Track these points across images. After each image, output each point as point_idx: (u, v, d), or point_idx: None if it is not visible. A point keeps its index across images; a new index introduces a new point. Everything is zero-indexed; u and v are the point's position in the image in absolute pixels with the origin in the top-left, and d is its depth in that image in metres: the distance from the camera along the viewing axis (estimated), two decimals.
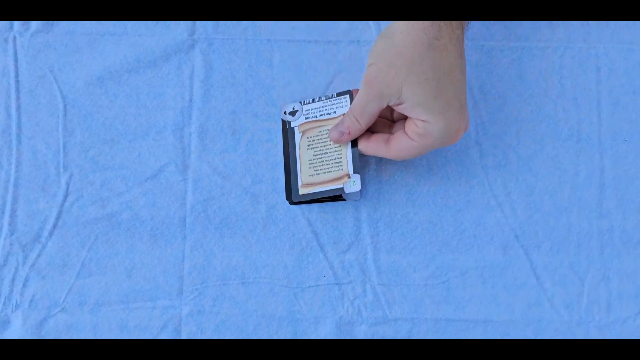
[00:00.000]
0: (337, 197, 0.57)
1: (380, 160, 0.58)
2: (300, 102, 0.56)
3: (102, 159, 0.57)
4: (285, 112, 0.57)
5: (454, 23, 0.49)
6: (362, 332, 0.56)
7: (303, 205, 0.57)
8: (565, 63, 0.59)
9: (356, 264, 0.57)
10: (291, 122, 0.56)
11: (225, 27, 0.59)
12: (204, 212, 0.57)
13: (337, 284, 0.57)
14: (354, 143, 0.54)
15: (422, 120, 0.49)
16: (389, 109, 0.53)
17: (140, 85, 0.58)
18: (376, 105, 0.50)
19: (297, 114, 0.56)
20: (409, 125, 0.50)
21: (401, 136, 0.51)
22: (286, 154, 0.56)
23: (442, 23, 0.48)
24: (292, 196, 0.55)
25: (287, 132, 0.56)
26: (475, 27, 0.60)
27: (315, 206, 0.57)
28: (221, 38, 0.59)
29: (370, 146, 0.53)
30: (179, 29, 0.59)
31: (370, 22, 0.59)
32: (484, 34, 0.60)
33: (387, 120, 0.55)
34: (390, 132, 0.53)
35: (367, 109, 0.51)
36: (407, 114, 0.50)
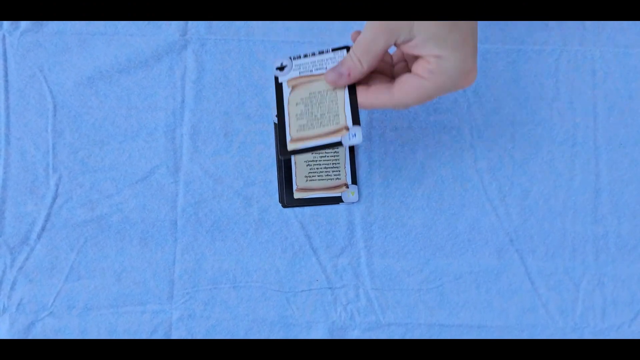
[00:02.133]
0: (333, 200, 0.56)
1: (373, 162, 0.57)
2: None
3: (91, 161, 0.57)
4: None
5: None
6: (354, 338, 0.56)
7: (296, 208, 0.56)
8: (561, 66, 0.59)
9: (349, 268, 0.56)
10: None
11: (218, 27, 0.58)
12: (195, 215, 0.56)
13: (330, 288, 0.56)
14: (352, 91, 0.48)
15: (436, 56, 0.44)
16: (389, 65, 0.49)
17: (131, 85, 0.57)
18: (383, 42, 0.45)
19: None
20: (418, 64, 0.45)
21: (408, 77, 0.46)
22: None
23: None
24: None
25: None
26: None
27: (308, 209, 0.56)
28: (214, 38, 0.58)
29: (369, 95, 0.47)
30: (170, 29, 0.58)
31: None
32: (480, 37, 0.59)
33: (386, 76, 0.49)
34: (392, 83, 0.47)
35: (372, 47, 0.45)
36: (417, 52, 0.45)
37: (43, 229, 0.56)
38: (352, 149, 0.56)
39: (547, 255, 0.57)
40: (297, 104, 0.49)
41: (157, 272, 0.56)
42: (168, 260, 0.56)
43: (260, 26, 0.59)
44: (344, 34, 0.59)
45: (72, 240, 0.56)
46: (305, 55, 0.50)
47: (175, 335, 0.55)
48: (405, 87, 0.45)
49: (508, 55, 0.59)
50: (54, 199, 0.56)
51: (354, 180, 0.55)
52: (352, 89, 0.48)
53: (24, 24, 0.58)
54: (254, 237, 0.56)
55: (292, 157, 0.54)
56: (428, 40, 0.44)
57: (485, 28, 0.59)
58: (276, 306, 0.56)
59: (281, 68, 0.50)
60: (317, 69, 0.49)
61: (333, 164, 0.56)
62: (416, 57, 0.46)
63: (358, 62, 0.46)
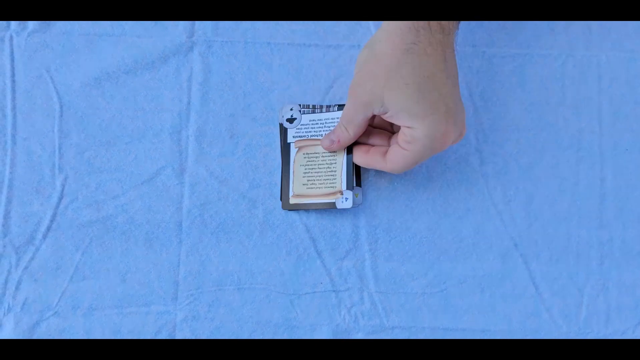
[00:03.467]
0: (328, 205, 0.56)
1: None
2: (300, 108, 0.56)
3: (97, 161, 0.57)
4: (282, 116, 0.56)
5: (433, 27, 0.48)
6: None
7: (301, 211, 0.57)
8: (567, 71, 0.59)
9: (354, 271, 0.56)
10: (287, 130, 0.56)
11: (224, 29, 0.58)
12: (200, 217, 0.56)
13: (334, 291, 0.56)
14: (350, 151, 0.54)
15: (408, 127, 0.49)
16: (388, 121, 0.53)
17: (138, 87, 0.58)
18: (362, 114, 0.51)
19: (295, 122, 0.56)
20: (399, 135, 0.50)
21: (394, 148, 0.51)
22: (283, 159, 0.56)
23: (420, 28, 0.48)
24: (283, 204, 0.55)
25: (282, 142, 0.57)
26: (477, 34, 0.59)
27: (313, 212, 0.57)
28: (220, 40, 0.58)
29: (368, 160, 0.53)
30: (177, 30, 0.58)
31: (371, 26, 0.59)
32: (486, 41, 0.59)
33: (386, 132, 0.54)
34: (388, 145, 0.53)
35: (354, 119, 0.51)
36: (394, 122, 0.50)
37: (48, 229, 0.56)
38: (349, 152, 0.56)
39: (552, 260, 0.57)
40: (301, 165, 0.56)
41: (162, 273, 0.56)
42: (173, 262, 0.56)
43: (267, 28, 0.59)
44: (349, 37, 0.59)
45: (78, 240, 0.56)
46: (314, 107, 0.57)
47: (179, 337, 0.55)
48: (393, 158, 0.51)
49: (514, 60, 0.59)
50: (60, 199, 0.56)
51: (350, 186, 0.55)
52: (350, 154, 0.55)
53: (31, 24, 0.58)
54: (259, 239, 0.56)
55: (292, 168, 0.56)
56: (398, 112, 0.49)
57: (491, 33, 0.59)
58: (280, 308, 0.56)
59: (290, 120, 0.56)
60: (320, 132, 0.56)
61: (330, 171, 0.56)
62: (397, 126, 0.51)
63: (345, 130, 0.52)
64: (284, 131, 0.57)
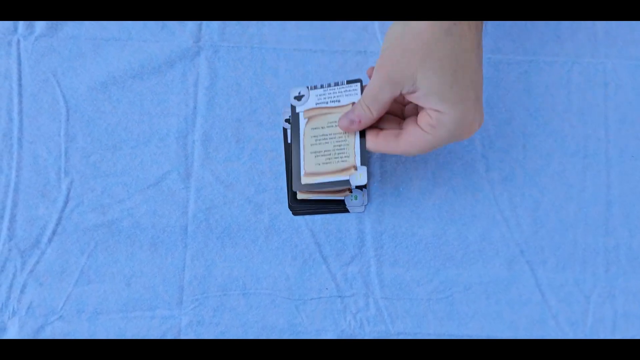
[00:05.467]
0: (340, 208, 0.56)
1: (385, 172, 0.57)
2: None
3: (103, 165, 0.57)
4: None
5: None
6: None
7: (307, 216, 0.56)
8: (573, 78, 0.59)
9: (359, 276, 0.56)
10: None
11: (231, 34, 0.59)
12: (205, 221, 0.56)
13: (340, 296, 0.56)
14: (362, 134, 0.51)
15: (436, 110, 0.46)
16: (400, 105, 0.51)
17: (144, 91, 0.58)
18: (389, 92, 0.47)
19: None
20: (421, 116, 0.47)
21: (413, 129, 0.48)
22: (288, 157, 0.55)
23: None
24: (294, 185, 0.52)
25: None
26: (484, 41, 0.59)
27: (318, 217, 0.56)
28: (227, 45, 0.59)
29: (379, 142, 0.49)
30: (184, 35, 0.58)
31: (377, 32, 0.59)
32: (492, 48, 0.59)
33: (397, 117, 0.51)
34: (400, 129, 0.50)
35: (379, 97, 0.47)
36: (420, 103, 0.47)
37: (54, 232, 0.56)
38: (362, 132, 0.54)
39: (558, 266, 0.57)
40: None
41: (167, 277, 0.56)
42: (178, 266, 0.56)
43: (273, 34, 0.59)
44: (355, 43, 0.59)
45: (83, 244, 0.56)
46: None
47: None
48: (410, 139, 0.48)
49: (520, 67, 0.59)
50: (66, 203, 0.56)
51: (364, 162, 0.53)
52: (362, 131, 0.51)
53: (38, 28, 0.58)
54: (264, 244, 0.56)
55: (301, 142, 0.53)
56: (430, 94, 0.46)
57: (497, 40, 0.59)
58: (285, 314, 0.56)
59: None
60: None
61: (341, 146, 0.53)
62: (421, 107, 0.48)
63: (367, 110, 0.48)
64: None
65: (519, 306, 0.56)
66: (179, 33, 0.58)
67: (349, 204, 0.55)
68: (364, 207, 0.56)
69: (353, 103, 0.52)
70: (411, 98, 0.47)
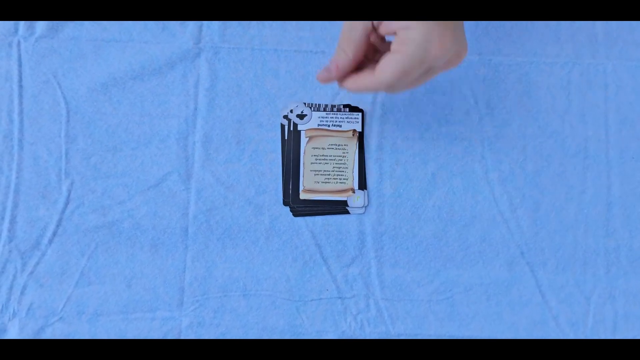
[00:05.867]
0: (340, 210, 0.56)
1: (384, 173, 0.57)
2: (307, 106, 0.56)
3: (104, 167, 0.57)
4: (291, 111, 0.56)
5: None
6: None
7: (307, 217, 0.56)
8: (573, 79, 0.59)
9: (360, 278, 0.56)
10: (298, 125, 0.56)
11: (231, 36, 0.59)
12: (206, 223, 0.56)
13: (340, 298, 0.56)
14: (361, 147, 0.53)
15: (403, 27, 0.45)
16: (376, 53, 0.50)
17: (145, 92, 0.58)
18: (361, 26, 0.47)
19: (305, 118, 0.56)
20: (394, 41, 0.47)
21: (384, 56, 0.47)
22: (287, 154, 0.56)
23: None
24: (291, 200, 0.55)
25: (292, 133, 0.56)
26: (483, 42, 0.59)
27: (319, 219, 0.56)
28: (227, 47, 0.59)
29: (359, 80, 0.49)
30: (184, 37, 0.58)
31: None
32: (492, 49, 0.59)
33: (374, 65, 0.49)
34: None
35: (352, 34, 0.47)
36: (391, 28, 0.46)
37: (54, 234, 0.56)
38: (361, 155, 0.57)
39: (558, 268, 0.57)
40: (312, 156, 0.55)
41: (168, 279, 0.56)
42: (178, 268, 0.56)
43: (274, 35, 0.59)
44: None
45: (83, 245, 0.56)
46: (325, 109, 0.56)
47: None
48: (382, 65, 0.46)
49: (520, 68, 0.59)
50: (66, 204, 0.56)
51: (362, 186, 0.55)
52: (361, 153, 0.56)
53: (39, 29, 0.58)
54: (265, 245, 0.56)
55: (301, 159, 0.56)
56: None
57: (497, 41, 0.59)
58: (286, 315, 0.56)
59: (301, 116, 0.55)
60: (333, 125, 0.56)
61: (340, 168, 0.56)
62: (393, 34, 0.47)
63: (343, 53, 0.48)
64: (292, 124, 0.56)
65: (520, 307, 0.56)
66: (180, 34, 0.58)
67: (351, 204, 0.56)
68: (364, 208, 0.56)
69: (354, 130, 0.57)
70: (382, 28, 0.47)
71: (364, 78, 0.48)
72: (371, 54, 0.50)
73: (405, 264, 0.56)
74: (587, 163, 0.58)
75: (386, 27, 0.47)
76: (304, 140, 0.56)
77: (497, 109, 0.59)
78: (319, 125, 0.56)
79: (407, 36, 0.45)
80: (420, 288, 0.56)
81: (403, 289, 0.56)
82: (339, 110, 0.57)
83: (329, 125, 0.56)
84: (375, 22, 0.46)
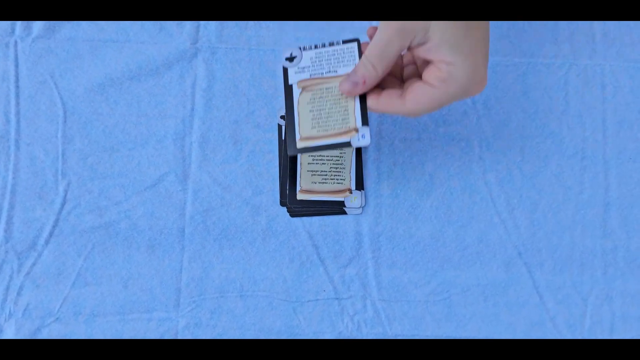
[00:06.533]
0: (337, 210, 0.56)
1: (381, 173, 0.57)
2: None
3: (101, 167, 0.57)
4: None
5: None
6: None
7: (304, 218, 0.56)
8: (571, 80, 0.59)
9: (357, 278, 0.56)
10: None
11: (228, 36, 0.59)
12: (203, 223, 0.56)
13: (337, 298, 0.56)
14: (362, 97, 0.47)
15: (447, 63, 0.44)
16: (399, 67, 0.49)
17: (142, 93, 0.58)
18: (397, 44, 0.44)
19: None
20: (429, 71, 0.45)
21: (418, 86, 0.45)
22: (284, 154, 0.56)
23: None
24: (288, 200, 0.54)
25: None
26: None
27: (316, 219, 0.56)
28: (224, 47, 0.58)
29: (382, 101, 0.46)
30: (182, 37, 0.58)
31: None
32: (490, 49, 0.59)
33: (397, 80, 0.49)
34: (402, 89, 0.47)
35: (386, 51, 0.44)
36: (430, 56, 0.44)
37: (51, 234, 0.56)
38: (359, 156, 0.56)
39: (556, 269, 0.57)
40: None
41: (164, 279, 0.56)
42: (175, 268, 0.56)
43: (271, 35, 0.59)
44: None
45: (80, 246, 0.56)
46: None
47: None
48: (417, 97, 0.45)
49: (518, 69, 0.59)
50: (63, 204, 0.56)
51: (359, 187, 0.55)
52: (359, 153, 0.52)
53: (35, 30, 0.58)
54: (262, 246, 0.56)
55: (298, 159, 0.55)
56: (442, 44, 0.43)
57: (495, 41, 0.59)
58: (283, 316, 0.55)
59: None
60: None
61: (338, 168, 0.56)
62: (427, 62, 0.46)
63: (372, 68, 0.45)
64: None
65: (517, 308, 0.56)
66: (177, 35, 0.58)
67: (348, 204, 0.55)
68: (361, 209, 0.56)
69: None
70: (419, 51, 0.45)
71: (391, 103, 0.46)
72: (397, 70, 0.49)
73: (403, 265, 0.56)
74: (584, 164, 0.58)
75: (425, 52, 0.45)
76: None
77: (494, 109, 0.59)
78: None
79: (451, 73, 0.44)
80: (417, 289, 0.56)
81: (400, 289, 0.56)
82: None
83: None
84: (415, 42, 0.44)
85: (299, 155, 0.55)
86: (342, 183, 0.55)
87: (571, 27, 0.60)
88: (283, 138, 0.57)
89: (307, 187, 0.55)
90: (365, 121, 0.47)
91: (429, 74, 0.45)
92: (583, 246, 0.57)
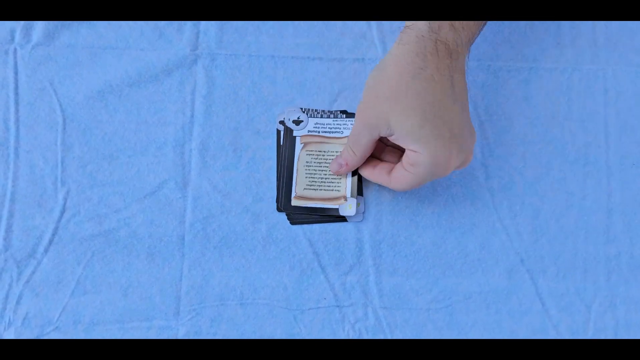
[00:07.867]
0: (338, 217, 0.56)
1: None
2: (304, 111, 0.56)
3: (100, 175, 0.56)
4: (288, 119, 0.56)
5: (441, 52, 0.48)
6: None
7: (304, 225, 0.56)
8: (573, 85, 0.59)
9: (358, 286, 0.56)
10: (294, 131, 0.56)
11: (228, 42, 0.58)
12: (203, 231, 0.56)
13: (338, 306, 0.55)
14: (354, 171, 0.55)
15: (412, 150, 0.49)
16: (381, 144, 0.54)
17: (141, 100, 0.57)
18: (368, 135, 0.51)
19: (301, 124, 0.56)
20: (404, 156, 0.51)
21: (398, 168, 0.51)
22: (281, 160, 0.56)
23: (428, 53, 0.48)
24: (283, 206, 0.55)
25: (287, 139, 0.56)
26: (482, 48, 0.59)
27: (316, 226, 0.56)
28: (224, 54, 0.58)
29: (374, 174, 0.53)
30: (181, 43, 0.58)
31: (375, 39, 0.59)
32: (491, 55, 0.59)
33: (398, 151, 0.54)
34: (396, 163, 0.53)
35: (360, 140, 0.52)
36: (399, 144, 0.50)
37: (50, 242, 0.55)
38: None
39: (558, 275, 0.56)
40: (306, 162, 0.56)
41: (164, 287, 0.55)
42: (175, 276, 0.55)
43: (271, 42, 0.58)
44: (353, 50, 0.59)
45: (79, 254, 0.55)
46: (321, 115, 0.56)
47: None
48: (398, 178, 0.51)
49: (520, 74, 0.59)
50: (62, 212, 0.56)
51: (354, 194, 0.55)
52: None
53: (35, 37, 0.58)
54: (262, 253, 0.56)
55: (295, 165, 0.56)
56: (405, 135, 0.49)
57: (496, 46, 0.59)
58: (283, 324, 0.55)
59: (297, 122, 0.56)
60: (329, 132, 0.56)
61: (333, 176, 0.56)
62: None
63: (352, 153, 0.53)
64: (288, 130, 0.56)
65: (520, 316, 0.56)
66: (177, 41, 0.58)
67: (342, 212, 0.55)
68: (362, 215, 0.56)
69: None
70: (392, 140, 0.50)
71: (381, 177, 0.53)
72: (379, 150, 0.54)
73: (404, 272, 0.56)
74: (587, 169, 0.57)
75: (395, 141, 0.50)
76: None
77: (496, 114, 0.58)
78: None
79: (416, 159, 0.49)
80: (418, 296, 0.56)
81: (401, 297, 0.56)
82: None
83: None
84: (382, 134, 0.50)
85: (295, 162, 0.56)
86: (337, 190, 0.55)
87: (573, 31, 0.60)
88: (282, 143, 0.57)
89: (301, 194, 0.55)
90: (353, 193, 0.55)
91: (404, 158, 0.51)
92: (586, 252, 0.56)
